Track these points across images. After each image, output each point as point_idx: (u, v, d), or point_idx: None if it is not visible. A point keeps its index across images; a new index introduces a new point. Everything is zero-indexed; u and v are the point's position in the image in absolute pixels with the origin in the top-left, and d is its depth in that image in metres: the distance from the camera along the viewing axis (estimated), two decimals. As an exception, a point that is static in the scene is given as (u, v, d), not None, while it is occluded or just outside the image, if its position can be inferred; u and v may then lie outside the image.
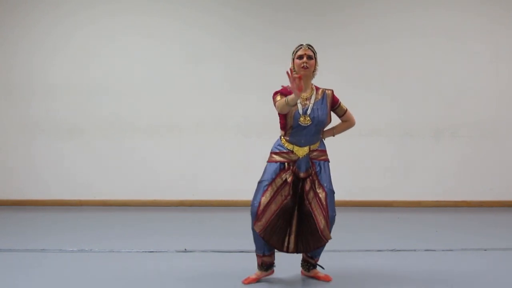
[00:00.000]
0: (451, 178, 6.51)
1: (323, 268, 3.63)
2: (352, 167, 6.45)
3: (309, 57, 3.39)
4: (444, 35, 6.46)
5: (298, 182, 3.42)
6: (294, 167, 3.41)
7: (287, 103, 3.20)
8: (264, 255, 3.50)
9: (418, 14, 6.48)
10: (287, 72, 3.10)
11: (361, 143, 6.45)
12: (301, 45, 3.43)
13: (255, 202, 3.39)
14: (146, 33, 6.44)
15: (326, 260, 3.81)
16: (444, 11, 6.49)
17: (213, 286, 3.47)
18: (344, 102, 3.55)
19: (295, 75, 3.10)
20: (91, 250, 4.33)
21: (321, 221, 3.34)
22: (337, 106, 3.53)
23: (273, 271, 3.59)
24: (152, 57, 6.45)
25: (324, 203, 3.38)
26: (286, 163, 3.42)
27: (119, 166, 6.44)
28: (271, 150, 3.52)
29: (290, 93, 3.29)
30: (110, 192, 6.43)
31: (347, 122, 3.62)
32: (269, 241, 3.39)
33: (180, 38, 6.46)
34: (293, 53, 3.45)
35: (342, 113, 3.56)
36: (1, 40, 6.47)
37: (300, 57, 3.39)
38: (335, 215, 3.45)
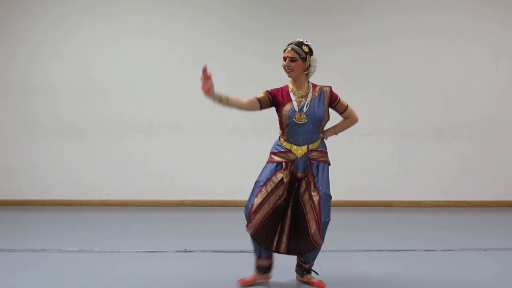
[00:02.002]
0: (451, 178, 6.50)
1: (317, 274, 3.55)
2: (352, 167, 6.45)
3: (292, 59, 3.31)
4: (444, 35, 6.46)
5: (294, 182, 3.35)
6: (292, 167, 3.36)
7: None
8: (260, 257, 3.46)
9: (418, 14, 6.48)
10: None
11: (361, 143, 6.45)
12: (289, 44, 3.35)
13: (248, 203, 3.36)
14: (146, 33, 6.44)
15: (326, 260, 3.81)
16: (444, 11, 6.49)
17: (213, 286, 3.47)
18: (345, 101, 3.52)
19: (204, 69, 3.12)
20: (91, 250, 4.33)
21: (312, 226, 3.28)
22: (336, 102, 3.43)
23: (269, 277, 3.52)
24: (152, 57, 6.45)
25: (317, 207, 3.30)
26: (284, 163, 3.37)
27: (119, 166, 6.44)
28: (271, 150, 3.47)
29: (277, 93, 3.36)
30: (110, 192, 6.43)
31: (349, 119, 3.50)
32: (259, 242, 3.35)
33: (181, 38, 6.46)
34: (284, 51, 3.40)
35: (342, 109, 3.45)
36: (1, 40, 6.47)
37: (284, 59, 3.35)
38: (329, 220, 3.35)
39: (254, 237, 3.34)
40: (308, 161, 3.37)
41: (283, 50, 3.39)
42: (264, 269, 3.49)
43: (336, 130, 3.52)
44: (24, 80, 6.46)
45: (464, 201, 6.50)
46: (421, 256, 4.22)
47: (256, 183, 3.39)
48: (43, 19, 6.45)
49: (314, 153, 3.39)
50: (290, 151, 3.38)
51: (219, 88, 6.44)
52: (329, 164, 3.45)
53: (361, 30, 6.45)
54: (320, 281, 3.50)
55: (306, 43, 3.38)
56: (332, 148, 6.71)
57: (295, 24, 6.33)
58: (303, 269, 3.52)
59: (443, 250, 4.35)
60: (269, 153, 3.48)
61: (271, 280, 3.54)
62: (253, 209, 3.31)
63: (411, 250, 4.35)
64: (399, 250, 4.34)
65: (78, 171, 6.45)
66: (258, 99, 3.36)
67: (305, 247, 3.34)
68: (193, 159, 6.46)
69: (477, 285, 3.53)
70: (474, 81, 6.49)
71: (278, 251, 3.38)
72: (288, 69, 3.34)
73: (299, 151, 3.36)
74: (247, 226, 3.35)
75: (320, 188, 3.34)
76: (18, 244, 4.47)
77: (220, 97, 3.26)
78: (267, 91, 3.40)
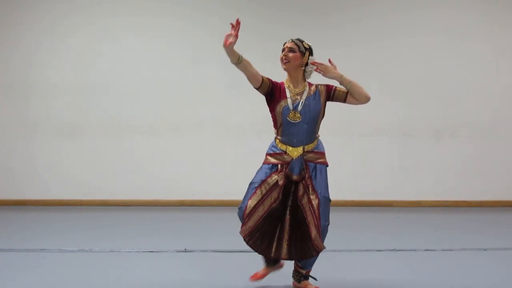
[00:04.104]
0: (451, 178, 6.50)
1: (315, 279, 3.45)
2: (352, 167, 6.45)
3: (291, 50, 3.23)
4: (444, 35, 6.46)
5: (290, 185, 3.24)
6: (287, 170, 3.23)
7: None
8: None
9: (418, 14, 6.48)
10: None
11: (361, 143, 6.45)
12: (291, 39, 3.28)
13: (242, 205, 3.25)
14: (146, 33, 6.43)
15: (326, 260, 3.80)
16: (444, 10, 6.49)
17: (213, 286, 3.47)
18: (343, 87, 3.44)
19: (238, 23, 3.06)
20: (91, 250, 4.33)
21: (312, 230, 3.15)
22: (333, 92, 3.30)
23: (281, 265, 3.46)
24: (152, 57, 6.45)
25: (317, 211, 3.15)
26: (279, 165, 3.25)
27: (119, 166, 6.44)
28: (266, 151, 3.37)
29: (275, 86, 3.28)
30: (110, 192, 6.43)
31: (357, 96, 3.36)
32: (253, 247, 3.25)
33: (181, 38, 6.46)
34: None
35: (343, 95, 3.32)
36: (1, 39, 6.47)
37: (283, 50, 3.27)
38: (328, 224, 3.21)
39: (247, 241, 3.23)
40: (304, 163, 3.24)
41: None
42: (273, 261, 3.41)
43: (350, 82, 3.34)
44: (24, 80, 6.46)
45: (464, 201, 6.50)
46: (421, 256, 4.22)
47: (250, 184, 3.28)
48: (43, 19, 6.45)
49: (310, 155, 3.25)
50: (285, 152, 3.25)
51: (219, 86, 6.48)
52: (327, 166, 3.32)
53: (361, 30, 6.45)
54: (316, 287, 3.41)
55: (308, 43, 3.34)
56: (332, 148, 6.71)
57: (295, 24, 6.32)
58: (300, 274, 3.40)
59: (443, 250, 4.35)
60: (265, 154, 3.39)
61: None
62: (247, 211, 3.21)
63: (411, 250, 4.35)
64: (399, 250, 4.34)
65: (78, 171, 6.45)
66: (262, 78, 3.27)
67: (307, 251, 3.21)
68: (193, 159, 6.46)
69: (477, 285, 3.52)
70: (474, 81, 6.49)
71: (279, 257, 3.27)
72: (285, 59, 3.24)
73: (295, 152, 3.23)
74: (241, 229, 3.25)
75: (319, 191, 3.20)
76: (18, 244, 4.47)
77: (238, 56, 3.22)
78: (270, 79, 3.30)
